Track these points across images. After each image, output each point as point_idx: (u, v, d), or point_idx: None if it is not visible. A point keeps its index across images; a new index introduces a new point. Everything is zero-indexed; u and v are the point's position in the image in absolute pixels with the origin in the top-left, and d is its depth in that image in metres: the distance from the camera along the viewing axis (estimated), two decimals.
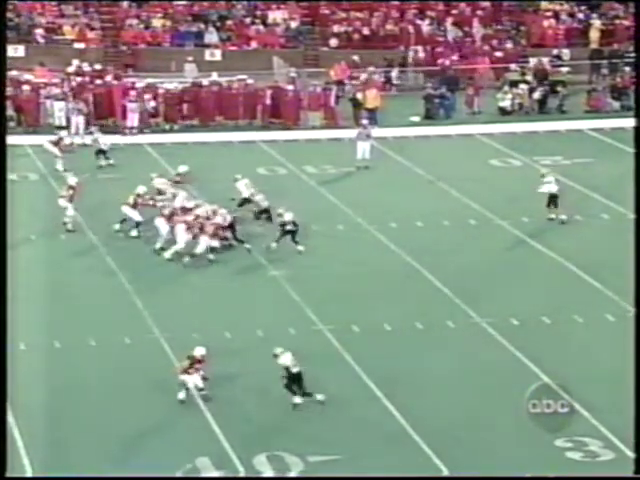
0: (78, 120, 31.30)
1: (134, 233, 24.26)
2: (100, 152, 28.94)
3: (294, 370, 17.02)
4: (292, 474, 15.72)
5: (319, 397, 17.18)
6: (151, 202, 24.25)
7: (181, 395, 17.33)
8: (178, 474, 15.60)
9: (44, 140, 29.08)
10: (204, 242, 22.60)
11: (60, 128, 31.58)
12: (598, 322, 20.36)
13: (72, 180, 25.26)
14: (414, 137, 32.25)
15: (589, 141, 32.13)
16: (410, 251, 23.68)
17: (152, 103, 32.50)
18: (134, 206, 24.33)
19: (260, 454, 16.08)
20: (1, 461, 13.95)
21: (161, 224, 23.38)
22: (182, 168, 26.46)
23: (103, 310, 20.76)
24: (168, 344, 19.30)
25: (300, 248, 23.10)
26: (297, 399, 17.12)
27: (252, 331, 19.86)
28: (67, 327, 19.92)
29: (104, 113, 32.67)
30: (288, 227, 22.90)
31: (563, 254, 23.47)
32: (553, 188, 25.07)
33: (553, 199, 25.08)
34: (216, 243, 22.82)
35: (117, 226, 24.41)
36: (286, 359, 17.03)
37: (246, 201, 24.90)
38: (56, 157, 28.62)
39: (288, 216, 22.99)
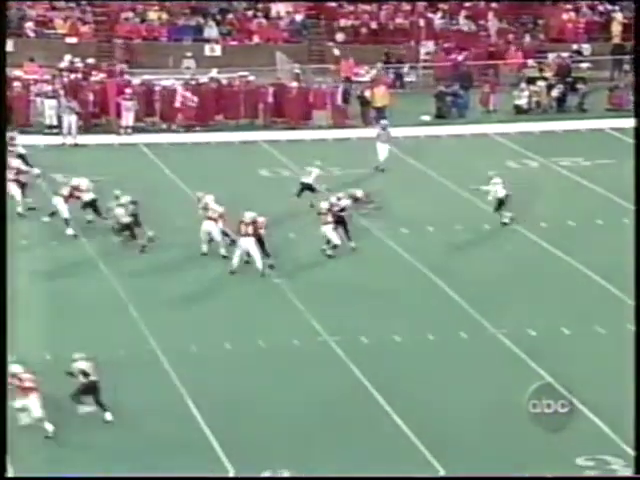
0: (70, 119, 31.32)
1: (70, 232, 24.28)
2: (19, 157, 27.45)
3: (89, 378, 17.16)
4: None
5: (107, 416, 17.20)
6: (80, 196, 24.28)
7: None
8: None
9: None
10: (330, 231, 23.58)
11: (51, 127, 31.77)
12: (621, 333, 20.36)
13: (24, 167, 25.92)
14: (425, 137, 32.35)
15: (611, 141, 32.18)
16: (421, 258, 23.75)
17: (195, 99, 32.40)
18: (67, 199, 24.37)
19: (265, 471, 16.12)
20: (1, 461, 14.07)
21: (210, 226, 23.22)
22: (359, 192, 25.51)
23: (98, 320, 20.82)
24: (165, 356, 19.37)
25: (352, 245, 23.94)
26: (85, 408, 17.17)
27: (253, 342, 19.93)
28: (61, 338, 19.97)
29: (97, 111, 32.78)
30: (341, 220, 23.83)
31: (583, 260, 23.53)
32: (501, 192, 25.21)
33: (501, 203, 25.23)
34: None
35: (46, 218, 24.55)
36: (82, 365, 17.19)
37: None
38: None
39: (346, 202, 23.98)
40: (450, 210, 26.52)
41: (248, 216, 22.72)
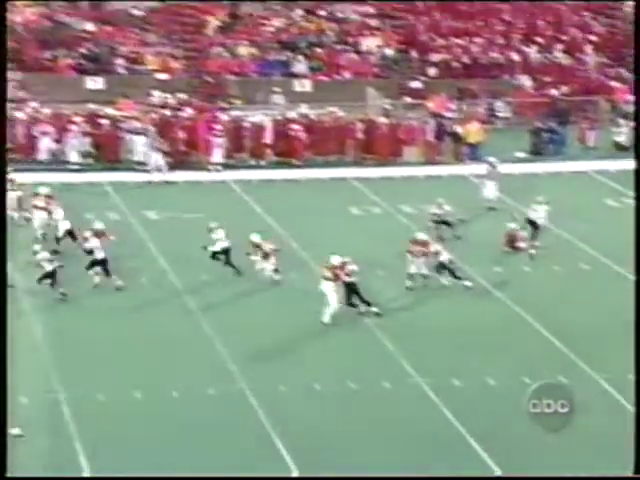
0: (158, 157, 31.74)
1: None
2: None
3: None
4: None
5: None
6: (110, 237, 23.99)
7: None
8: None
9: None
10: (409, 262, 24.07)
11: (140, 164, 32.42)
12: None
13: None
14: (520, 174, 32.24)
15: None
16: (516, 299, 23.64)
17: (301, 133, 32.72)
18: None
19: None
20: (1, 461, 14.24)
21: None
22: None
23: (182, 357, 21.13)
24: (253, 395, 19.55)
25: (468, 284, 24.03)
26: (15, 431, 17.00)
27: (342, 383, 20.02)
28: (147, 376, 20.28)
29: (187, 148, 33.29)
30: (450, 266, 24.05)
31: None
32: (540, 218, 26.22)
33: (536, 228, 26.25)
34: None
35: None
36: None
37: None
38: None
39: (444, 257, 23.99)
40: (547, 250, 26.33)
41: (335, 260, 22.70)
